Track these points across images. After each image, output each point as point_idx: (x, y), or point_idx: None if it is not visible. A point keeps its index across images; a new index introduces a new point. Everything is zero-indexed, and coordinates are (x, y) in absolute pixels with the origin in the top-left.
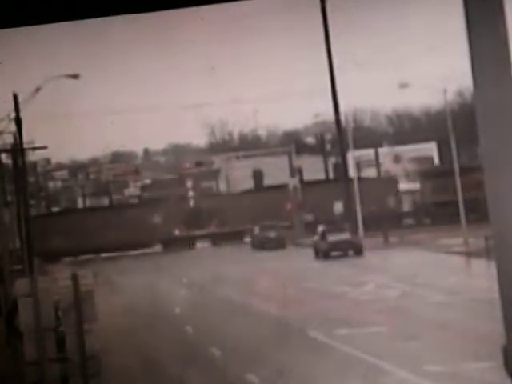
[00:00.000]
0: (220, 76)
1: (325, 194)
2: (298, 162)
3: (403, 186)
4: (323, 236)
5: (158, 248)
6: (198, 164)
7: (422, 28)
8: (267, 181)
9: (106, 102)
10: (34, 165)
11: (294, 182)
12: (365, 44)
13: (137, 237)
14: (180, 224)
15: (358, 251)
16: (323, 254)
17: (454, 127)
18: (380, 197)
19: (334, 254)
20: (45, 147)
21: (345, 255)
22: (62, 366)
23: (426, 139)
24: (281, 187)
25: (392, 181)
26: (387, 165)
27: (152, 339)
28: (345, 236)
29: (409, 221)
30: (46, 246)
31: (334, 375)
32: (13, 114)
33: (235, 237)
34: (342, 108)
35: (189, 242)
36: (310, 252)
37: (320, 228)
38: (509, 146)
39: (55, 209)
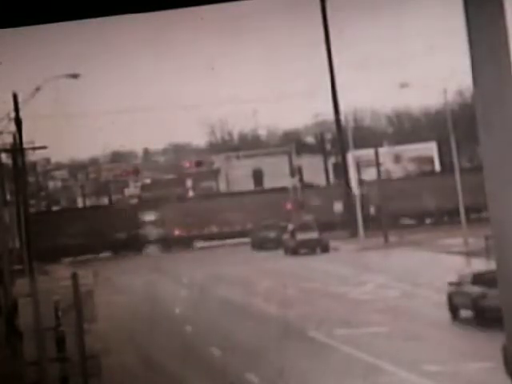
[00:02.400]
0: (220, 76)
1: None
2: (298, 161)
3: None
4: (292, 234)
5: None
6: (198, 164)
7: (422, 28)
8: (267, 180)
9: (106, 102)
10: (34, 165)
11: (293, 182)
12: (365, 44)
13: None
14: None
15: (325, 249)
16: (291, 251)
17: (454, 127)
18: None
19: (302, 251)
20: (45, 147)
21: (312, 252)
22: (62, 366)
23: (426, 139)
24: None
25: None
26: (387, 165)
27: (152, 339)
28: (313, 235)
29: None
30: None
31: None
32: (13, 114)
33: (235, 237)
34: (341, 108)
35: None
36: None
37: (289, 227)
38: (509, 146)
39: (55, 208)
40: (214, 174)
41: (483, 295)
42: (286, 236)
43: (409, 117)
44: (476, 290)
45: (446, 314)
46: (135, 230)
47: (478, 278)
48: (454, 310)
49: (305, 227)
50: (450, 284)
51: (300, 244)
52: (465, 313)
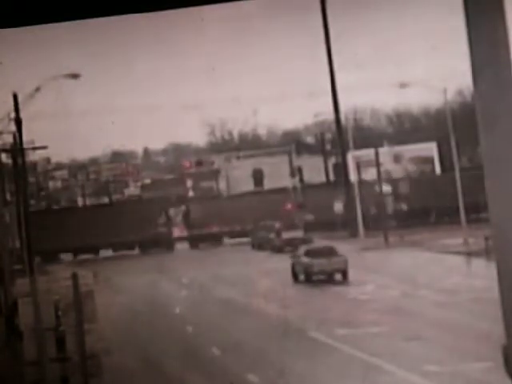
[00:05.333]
0: (220, 76)
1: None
2: (298, 161)
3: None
4: (278, 233)
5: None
6: (198, 164)
7: (422, 27)
8: (267, 180)
9: (106, 101)
10: (34, 165)
11: (293, 182)
12: (365, 43)
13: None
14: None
15: None
16: (277, 249)
17: (455, 127)
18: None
19: (287, 249)
20: (45, 147)
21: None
22: (62, 366)
23: (426, 139)
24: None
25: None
26: (387, 165)
27: (152, 339)
28: (298, 234)
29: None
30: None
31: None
32: (13, 114)
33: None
34: (341, 108)
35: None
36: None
37: (276, 226)
38: (509, 146)
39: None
40: (214, 173)
41: (311, 264)
42: (272, 235)
43: (409, 117)
44: (306, 260)
45: (445, 314)
46: None
47: (308, 252)
48: (294, 275)
49: (290, 226)
50: (292, 256)
51: (285, 243)
52: (301, 277)
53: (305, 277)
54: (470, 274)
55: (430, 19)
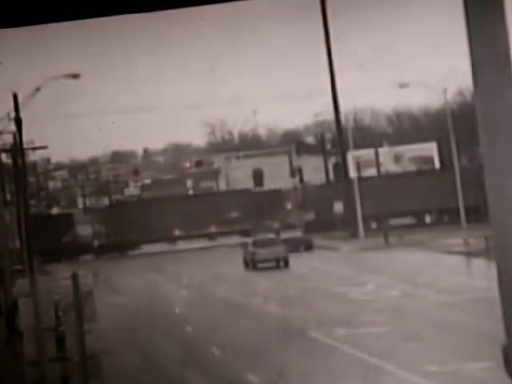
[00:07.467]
0: (220, 76)
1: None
2: (298, 161)
3: None
4: (277, 233)
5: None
6: (198, 164)
7: (422, 28)
8: (267, 180)
9: (107, 102)
10: (34, 165)
11: (294, 182)
12: (365, 44)
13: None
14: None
15: (308, 247)
16: None
17: (455, 127)
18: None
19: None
20: (45, 147)
21: (296, 250)
22: (62, 366)
23: (426, 139)
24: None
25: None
26: (387, 165)
27: (152, 339)
28: (296, 234)
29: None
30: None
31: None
32: (13, 114)
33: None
34: (342, 108)
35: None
36: None
37: (275, 226)
38: (509, 146)
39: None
40: (214, 173)
41: (255, 253)
42: (271, 235)
43: (409, 117)
44: (252, 250)
45: (445, 314)
46: None
47: (254, 243)
48: (245, 263)
49: (289, 226)
50: (243, 247)
51: (284, 242)
52: (250, 265)
53: (251, 264)
54: (470, 273)
55: (430, 19)
